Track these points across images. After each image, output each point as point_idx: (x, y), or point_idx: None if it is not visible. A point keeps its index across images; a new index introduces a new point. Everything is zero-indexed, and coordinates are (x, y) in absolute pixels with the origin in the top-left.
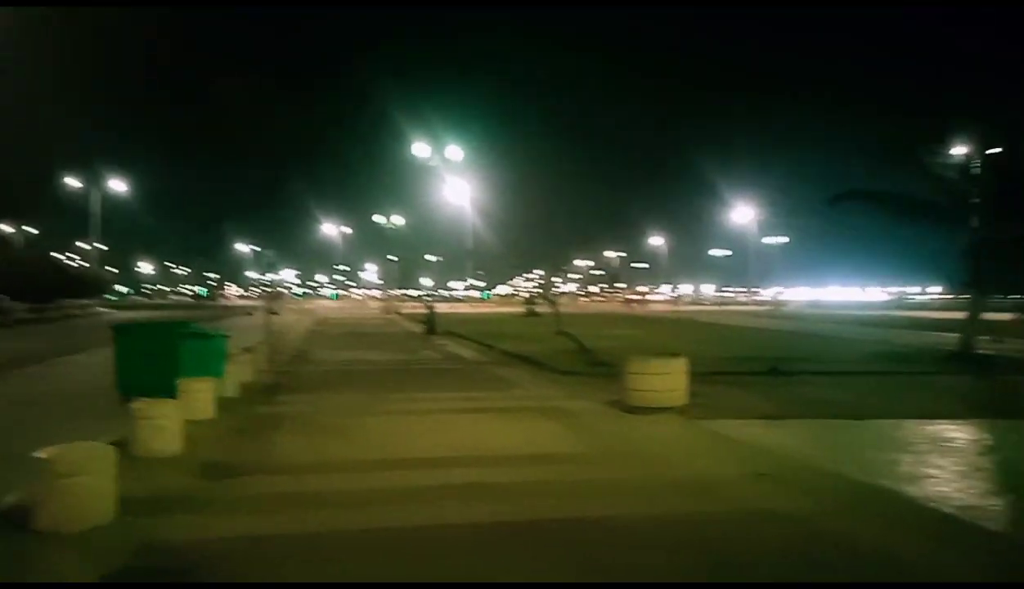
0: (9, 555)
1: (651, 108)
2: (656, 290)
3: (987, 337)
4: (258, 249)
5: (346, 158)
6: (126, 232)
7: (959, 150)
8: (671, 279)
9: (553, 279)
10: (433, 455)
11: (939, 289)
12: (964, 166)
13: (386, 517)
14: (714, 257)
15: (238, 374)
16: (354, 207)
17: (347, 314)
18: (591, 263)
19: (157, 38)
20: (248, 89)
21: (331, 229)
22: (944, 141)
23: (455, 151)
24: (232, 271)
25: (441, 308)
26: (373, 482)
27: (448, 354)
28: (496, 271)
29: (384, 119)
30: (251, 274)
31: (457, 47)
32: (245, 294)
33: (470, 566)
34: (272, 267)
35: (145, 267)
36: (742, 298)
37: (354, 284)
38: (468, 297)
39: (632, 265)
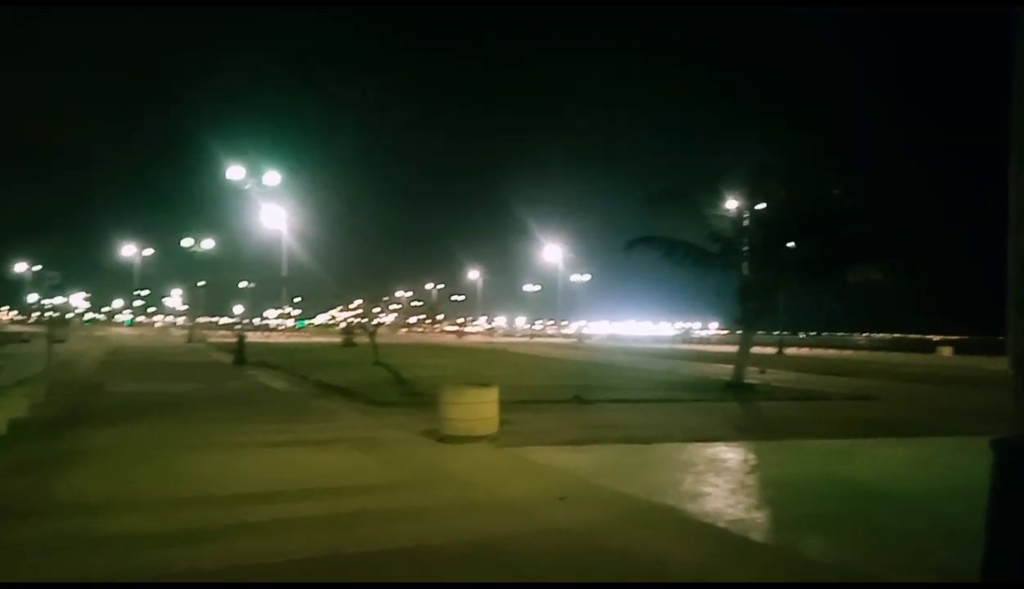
0: None
1: (469, 148)
2: (473, 322)
3: (755, 368)
4: (40, 270)
5: (152, 179)
6: None
7: (731, 205)
8: (487, 311)
9: (373, 309)
10: (237, 490)
11: (718, 325)
12: (735, 219)
13: (177, 559)
14: (526, 292)
15: (9, 408)
16: (160, 230)
17: (146, 342)
18: (411, 294)
19: None
20: (42, 98)
21: (131, 251)
22: (720, 197)
23: (272, 176)
24: (8, 293)
25: (253, 337)
26: (167, 522)
27: (258, 385)
28: (314, 300)
29: (194, 140)
30: (32, 297)
31: (278, 74)
32: (22, 319)
33: None
34: (57, 290)
35: None
36: (551, 330)
37: (156, 311)
38: (282, 326)
39: (451, 297)
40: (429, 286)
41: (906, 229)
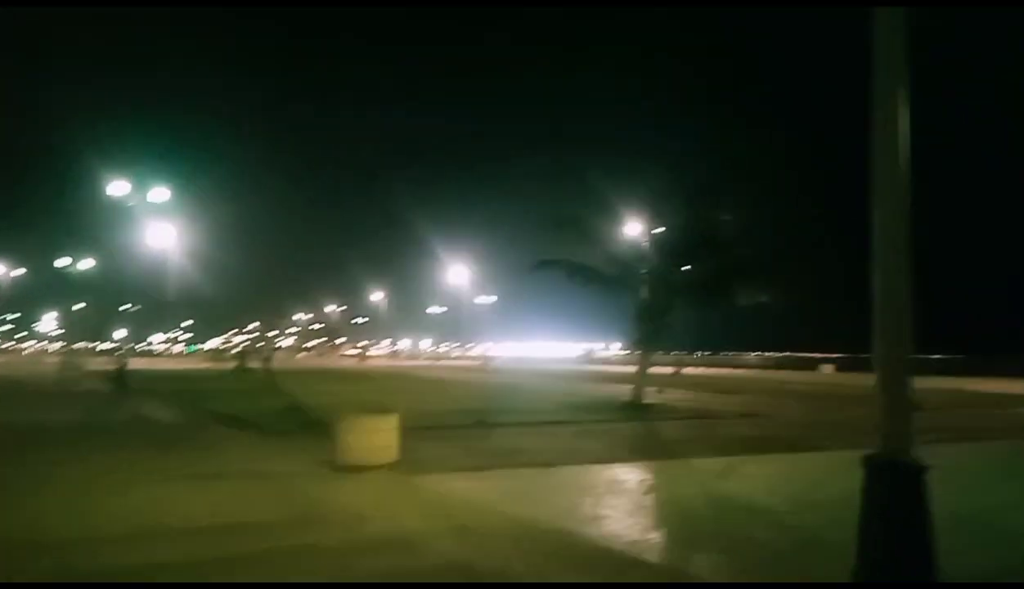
0: None
1: (374, 166)
2: (376, 345)
3: (653, 388)
4: None
5: (22, 194)
6: None
7: (630, 229)
8: (391, 334)
9: (270, 333)
10: (108, 532)
11: (619, 346)
12: (633, 243)
13: None
14: (431, 314)
15: None
16: (32, 249)
17: (12, 370)
18: (311, 316)
19: None
20: None
21: None
22: (618, 221)
23: (160, 192)
24: None
25: (138, 363)
26: (21, 570)
27: (140, 416)
28: (208, 323)
29: (69, 154)
30: None
31: (165, 88)
32: None
33: None
34: None
35: None
36: (456, 353)
37: (26, 336)
38: (170, 351)
39: (353, 320)
40: (330, 308)
41: (789, 253)
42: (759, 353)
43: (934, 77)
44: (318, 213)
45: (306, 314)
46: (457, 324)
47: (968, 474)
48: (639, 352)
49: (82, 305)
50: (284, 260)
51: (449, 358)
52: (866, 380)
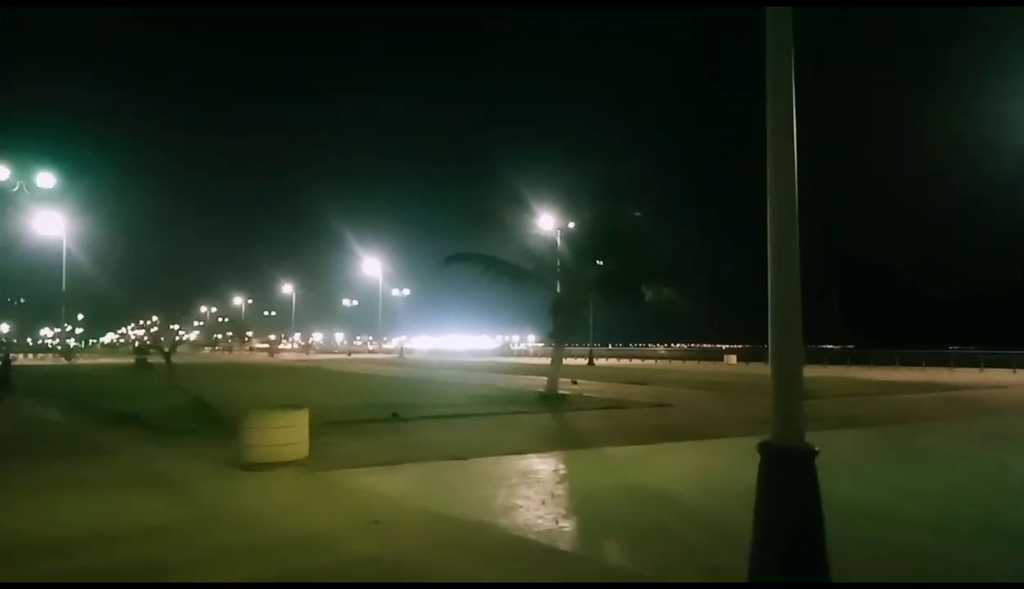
0: None
1: (283, 159)
2: (287, 338)
3: (567, 379)
4: None
5: None
6: None
7: (543, 225)
8: (302, 328)
9: (172, 326)
10: None
11: (534, 338)
12: (546, 239)
13: None
14: (345, 307)
15: None
16: None
17: None
18: (216, 310)
19: None
20: None
21: None
22: (532, 217)
23: (46, 178)
24: None
25: (23, 361)
26: None
27: (29, 417)
28: (103, 317)
29: None
30: None
31: (53, 68)
32: None
33: None
34: None
35: None
36: (371, 346)
37: None
38: (63, 347)
39: (263, 313)
40: (238, 301)
41: (691, 249)
42: (668, 345)
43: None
44: (224, 207)
45: (211, 307)
46: (372, 317)
47: (860, 460)
48: (554, 344)
49: None
50: (190, 253)
51: (364, 351)
52: (767, 369)
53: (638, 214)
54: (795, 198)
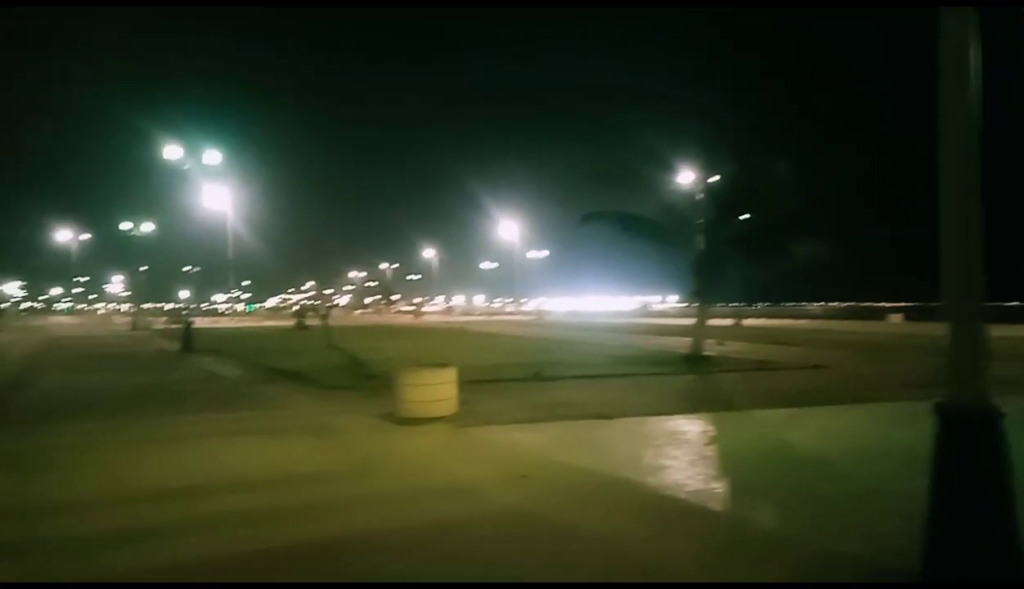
0: None
1: (423, 123)
2: (430, 301)
3: (712, 340)
4: None
5: (86, 160)
6: None
7: (685, 179)
8: (444, 291)
9: (326, 291)
10: (181, 484)
11: (676, 298)
12: (688, 193)
13: (111, 563)
14: (484, 269)
15: None
16: (97, 213)
17: (87, 331)
18: (365, 274)
19: None
20: None
21: (67, 236)
22: (672, 170)
23: (212, 155)
24: None
25: (201, 323)
26: (104, 522)
27: (207, 373)
28: (265, 283)
29: (129, 120)
30: None
31: (217, 50)
32: None
33: None
34: None
35: None
36: (509, 308)
37: (97, 298)
38: (231, 311)
39: (406, 277)
40: (383, 266)
41: (850, 201)
42: (823, 304)
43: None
44: (369, 172)
45: (360, 272)
46: (510, 279)
47: None
48: (697, 304)
49: (145, 267)
50: (338, 220)
51: (503, 313)
52: (937, 330)
53: (782, 166)
54: (975, 121)
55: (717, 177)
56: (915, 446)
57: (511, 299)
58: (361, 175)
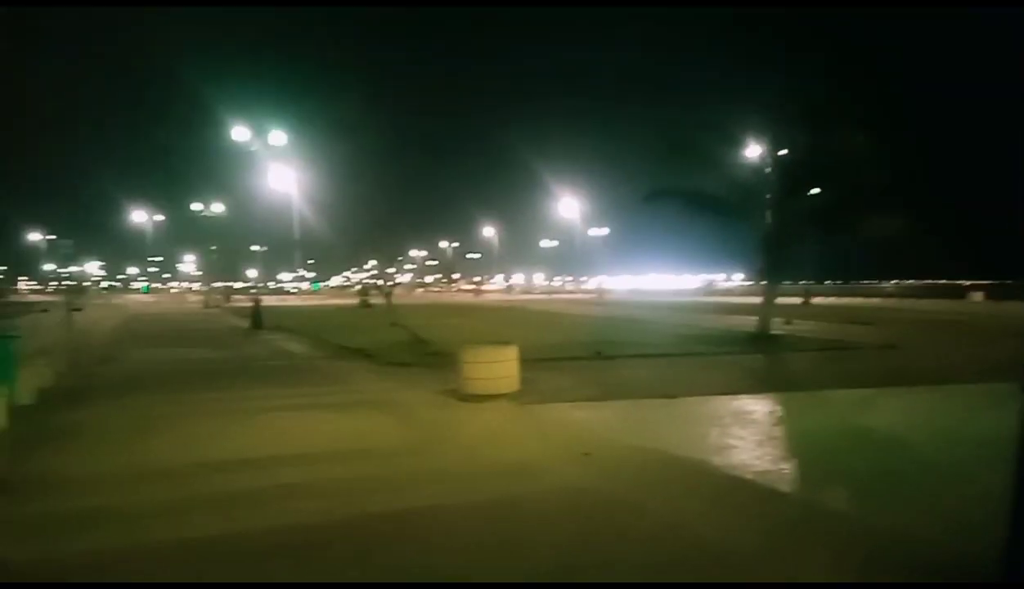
0: None
1: (481, 100)
2: (490, 280)
3: (780, 319)
4: (54, 239)
5: (157, 143)
6: None
7: (752, 153)
8: (504, 269)
9: (388, 269)
10: (255, 456)
11: (741, 276)
12: (755, 168)
13: (196, 527)
14: (544, 248)
15: (34, 378)
16: (169, 195)
17: (163, 309)
18: (425, 253)
19: None
20: (45, 66)
21: (142, 217)
22: (739, 145)
23: (278, 136)
24: (23, 263)
25: (269, 301)
26: (189, 489)
27: (276, 349)
28: (328, 261)
29: (198, 102)
30: (47, 267)
31: (276, 29)
32: (41, 289)
33: (291, 571)
34: (71, 259)
35: None
36: (570, 287)
37: (170, 277)
38: (298, 289)
39: (466, 255)
40: (444, 245)
41: (928, 174)
42: (897, 282)
43: None
44: (432, 152)
45: (421, 251)
46: (570, 258)
47: None
48: (764, 282)
49: (215, 247)
50: (400, 199)
51: (563, 292)
52: (1021, 309)
53: (859, 137)
54: None
55: (785, 151)
56: (999, 430)
57: (571, 278)
58: (423, 154)
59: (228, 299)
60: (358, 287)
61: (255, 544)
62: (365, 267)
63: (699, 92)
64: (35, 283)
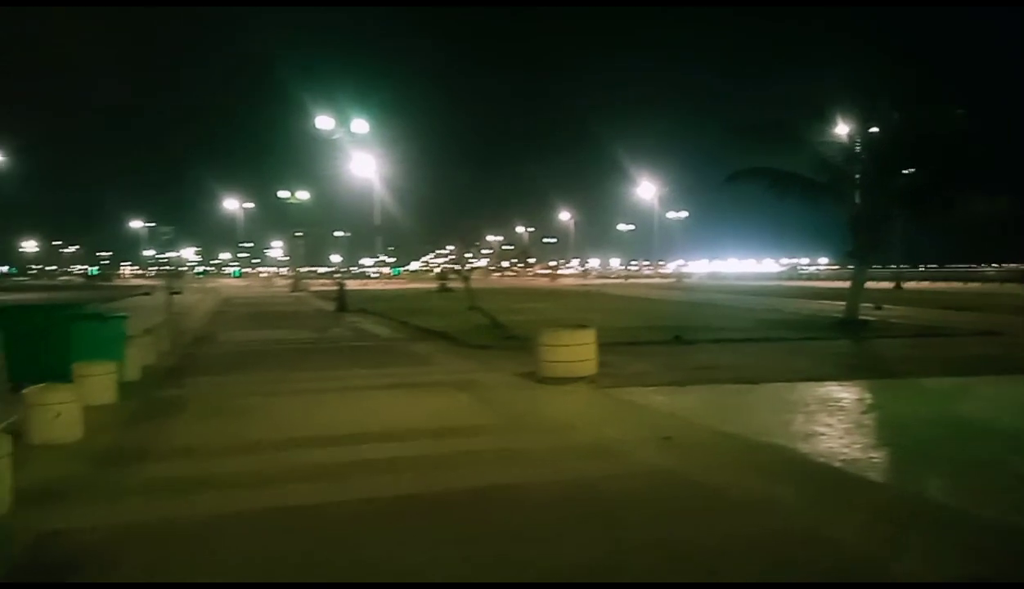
0: None
1: (558, 84)
2: (566, 264)
3: (870, 304)
4: (154, 226)
5: (247, 132)
6: (4, 208)
7: (841, 131)
8: (580, 253)
9: (465, 254)
10: (343, 432)
11: (827, 260)
12: (845, 146)
13: (293, 495)
14: (620, 231)
15: (139, 357)
16: (258, 182)
17: (253, 292)
18: (502, 238)
19: None
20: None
21: (233, 205)
22: (828, 123)
23: (360, 124)
24: (126, 249)
25: (351, 285)
26: (280, 462)
27: (360, 331)
28: (407, 247)
29: (285, 91)
30: (148, 252)
31: (358, 17)
32: (142, 273)
33: (378, 540)
34: (170, 244)
35: (29, 246)
36: (647, 271)
37: (259, 262)
38: (378, 274)
39: (542, 240)
40: (520, 229)
41: None
42: (999, 265)
43: None
44: (508, 136)
45: (497, 236)
46: (647, 241)
47: None
48: (853, 265)
49: (301, 233)
50: (476, 185)
51: (640, 276)
52: None
53: (960, 111)
54: None
55: (877, 129)
56: None
57: (648, 262)
58: (499, 138)
59: (297, 285)
60: (437, 272)
61: (343, 513)
62: (443, 252)
63: (785, 69)
64: (137, 268)
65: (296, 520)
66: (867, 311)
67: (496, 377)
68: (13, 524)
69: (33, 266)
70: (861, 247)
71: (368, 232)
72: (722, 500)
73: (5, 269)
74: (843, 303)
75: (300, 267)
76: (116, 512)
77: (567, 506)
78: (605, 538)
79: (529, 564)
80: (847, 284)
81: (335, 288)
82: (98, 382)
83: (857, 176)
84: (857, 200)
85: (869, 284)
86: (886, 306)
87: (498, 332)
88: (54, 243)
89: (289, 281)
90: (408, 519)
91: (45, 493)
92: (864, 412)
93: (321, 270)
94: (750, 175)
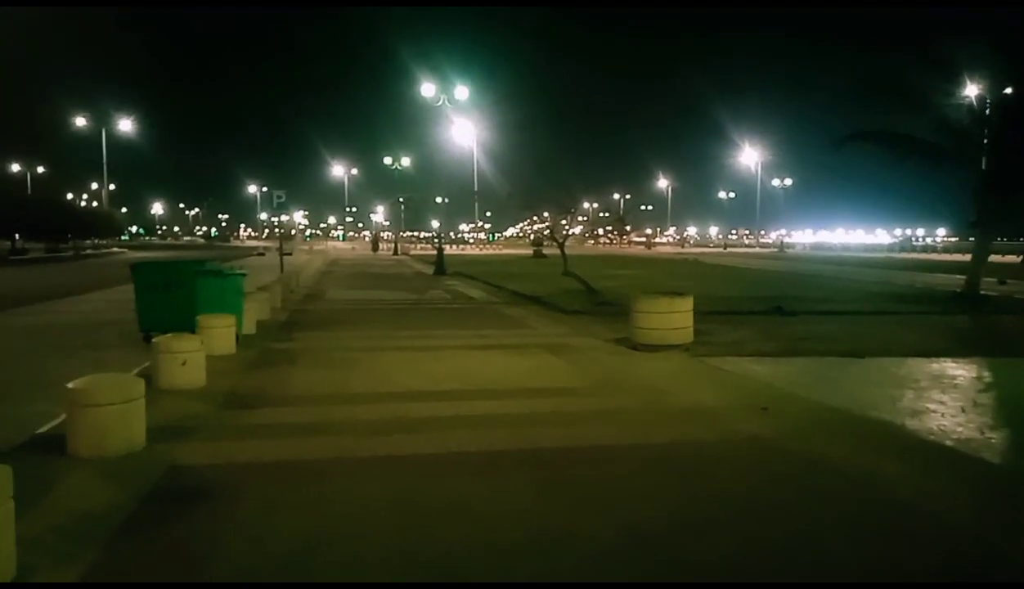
0: (53, 478)
1: (659, 48)
2: (663, 232)
3: (992, 278)
4: (267, 190)
5: (355, 99)
6: (136, 171)
7: (968, 92)
8: (677, 221)
9: (561, 221)
10: (442, 388)
11: (943, 232)
12: (972, 108)
13: (396, 445)
14: (720, 199)
15: (255, 311)
16: (363, 149)
17: (357, 255)
18: (598, 205)
19: None
20: (254, 28)
21: (340, 171)
22: (954, 83)
23: (462, 91)
24: (243, 212)
25: (449, 250)
26: (384, 413)
27: (457, 294)
28: (503, 213)
29: (392, 59)
30: (262, 215)
31: None
32: (257, 235)
33: (473, 489)
34: (283, 208)
35: (157, 207)
36: (748, 240)
37: (363, 226)
38: (476, 239)
39: (639, 207)
40: (616, 196)
41: None
42: None
43: None
44: (606, 101)
45: (593, 203)
46: (748, 210)
47: None
48: (976, 236)
49: (403, 198)
50: (573, 152)
51: (740, 245)
52: None
53: None
54: None
55: (1010, 89)
56: None
57: (748, 231)
58: (598, 103)
59: (375, 246)
60: (532, 237)
61: (441, 462)
62: (538, 219)
63: (905, 24)
64: (252, 230)
65: (397, 466)
66: (989, 286)
67: (589, 342)
68: (148, 457)
69: (160, 227)
70: (987, 215)
71: (466, 198)
72: (822, 472)
73: (135, 229)
74: (961, 277)
75: (401, 232)
76: (237, 451)
77: (662, 466)
78: (687, 496)
79: (610, 515)
80: (965, 258)
81: (433, 252)
82: (219, 334)
83: (985, 140)
84: (983, 166)
85: (993, 257)
86: (1011, 281)
87: (592, 298)
88: (180, 206)
89: (391, 244)
90: (501, 471)
91: (175, 432)
92: (981, 390)
93: (421, 235)
94: (866, 138)
